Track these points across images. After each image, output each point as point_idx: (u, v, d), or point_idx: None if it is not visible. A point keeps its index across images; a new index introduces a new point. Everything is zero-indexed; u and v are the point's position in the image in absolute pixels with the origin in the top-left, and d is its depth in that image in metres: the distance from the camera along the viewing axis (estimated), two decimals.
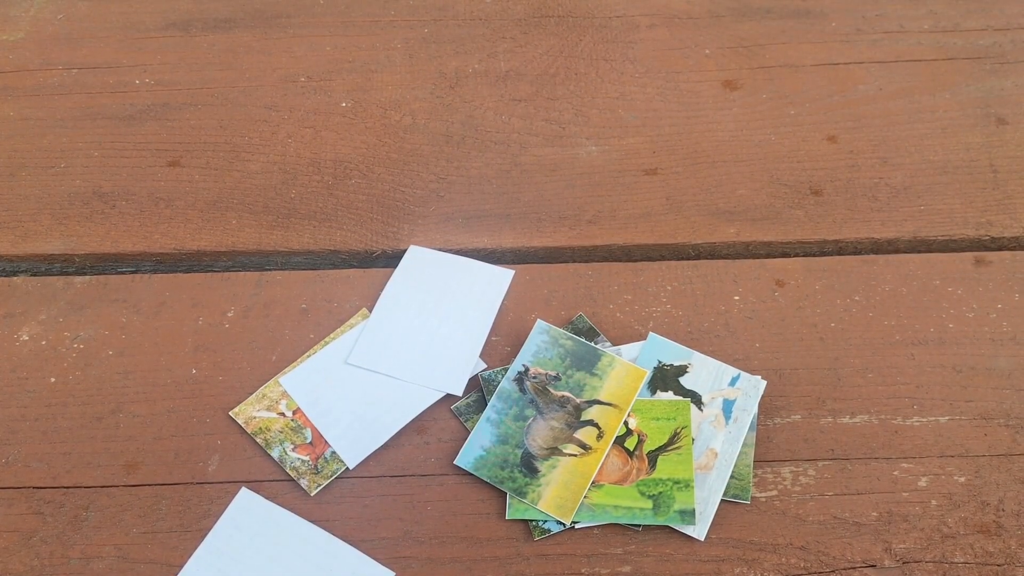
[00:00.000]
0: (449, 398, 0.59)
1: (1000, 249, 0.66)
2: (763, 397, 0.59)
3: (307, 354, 0.61)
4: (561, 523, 0.54)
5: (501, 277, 0.64)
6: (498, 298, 0.63)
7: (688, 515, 0.53)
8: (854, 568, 0.53)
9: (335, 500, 0.55)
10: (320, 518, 0.55)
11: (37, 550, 0.54)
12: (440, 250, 0.66)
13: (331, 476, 0.56)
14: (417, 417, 0.58)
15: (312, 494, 0.55)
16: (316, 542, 0.53)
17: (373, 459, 0.57)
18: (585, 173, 0.70)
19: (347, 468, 0.56)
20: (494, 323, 0.62)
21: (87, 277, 0.65)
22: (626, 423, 0.57)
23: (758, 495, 0.55)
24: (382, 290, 0.63)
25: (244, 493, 0.55)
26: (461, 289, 0.63)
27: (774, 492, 0.55)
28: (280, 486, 0.56)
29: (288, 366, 0.60)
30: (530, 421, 0.57)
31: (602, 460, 0.55)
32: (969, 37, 0.78)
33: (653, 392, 0.58)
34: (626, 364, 0.59)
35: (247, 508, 0.55)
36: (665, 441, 0.56)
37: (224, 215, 0.68)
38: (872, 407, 0.59)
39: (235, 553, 0.53)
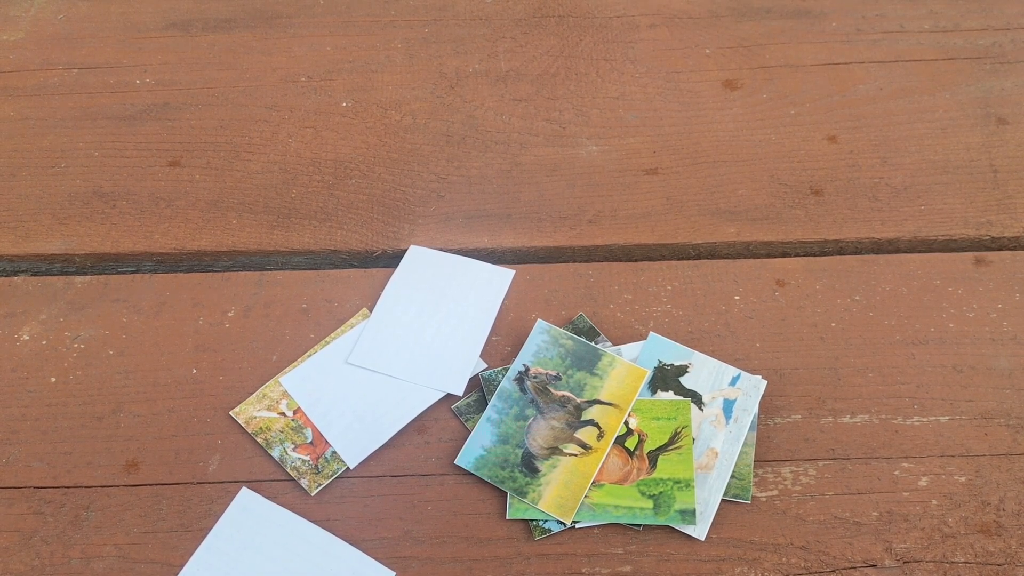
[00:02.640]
0: (449, 398, 0.59)
1: (1000, 249, 0.66)
2: (763, 397, 0.59)
3: (307, 354, 0.61)
4: (561, 523, 0.54)
5: (501, 277, 0.64)
6: (498, 298, 0.63)
7: (688, 515, 0.53)
8: (854, 568, 0.53)
9: (336, 500, 0.55)
10: (321, 518, 0.55)
11: (37, 550, 0.54)
12: (441, 250, 0.66)
13: (332, 476, 0.56)
14: (418, 417, 0.58)
15: (312, 494, 0.55)
16: (317, 542, 0.53)
17: (374, 459, 0.57)
18: (585, 173, 0.70)
19: (347, 468, 0.56)
20: (494, 323, 0.62)
21: (87, 277, 0.65)
22: (627, 423, 0.57)
23: (758, 495, 0.55)
24: (383, 290, 0.63)
25: (244, 493, 0.55)
26: (461, 289, 0.63)
27: (774, 492, 0.55)
28: (281, 486, 0.56)
29: (289, 366, 0.60)
30: (531, 421, 0.57)
31: (603, 460, 0.55)
32: (969, 37, 0.78)
33: (654, 392, 0.58)
34: (627, 364, 0.59)
35: (247, 508, 0.55)
36: (666, 441, 0.56)
37: (225, 215, 0.68)
38: (872, 407, 0.59)
39: (235, 553, 0.53)
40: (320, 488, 0.55)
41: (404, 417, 0.58)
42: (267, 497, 0.55)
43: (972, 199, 0.68)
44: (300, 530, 0.54)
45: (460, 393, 0.59)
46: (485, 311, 0.62)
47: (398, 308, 0.62)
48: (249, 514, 0.54)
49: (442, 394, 0.59)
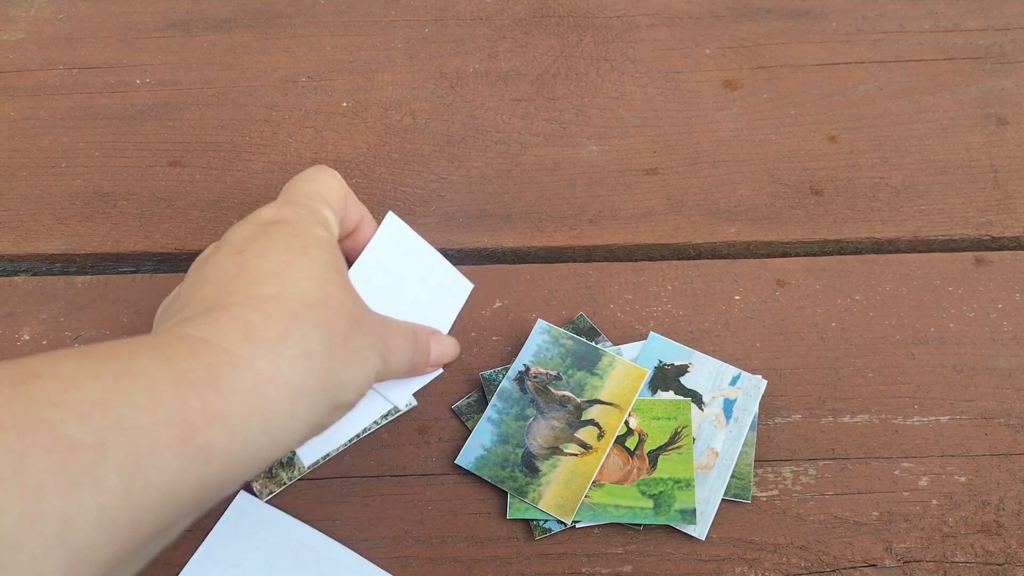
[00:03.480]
0: (449, 398, 0.59)
1: (1000, 249, 0.66)
2: (764, 397, 0.59)
3: None
4: (562, 523, 0.54)
5: (461, 288, 0.62)
6: (455, 309, 0.61)
7: (689, 514, 0.53)
8: (855, 568, 0.53)
9: (335, 500, 0.55)
10: (320, 517, 0.55)
11: None
12: (440, 250, 0.65)
13: (286, 483, 0.55)
14: (417, 416, 0.58)
15: (263, 499, 0.54)
16: (315, 545, 0.53)
17: (373, 459, 0.57)
18: (586, 173, 0.70)
19: (301, 476, 0.55)
20: (495, 323, 0.62)
21: (88, 277, 0.65)
22: (627, 422, 0.57)
23: (759, 494, 0.55)
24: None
25: (242, 496, 0.55)
26: (424, 291, 0.60)
27: (775, 492, 0.56)
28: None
29: None
30: (531, 421, 0.57)
31: (603, 460, 0.55)
32: (969, 37, 0.78)
33: (654, 392, 0.58)
34: (627, 364, 0.59)
35: (245, 511, 0.54)
36: (666, 441, 0.56)
37: (225, 215, 0.68)
38: (873, 407, 0.59)
39: (233, 556, 0.53)
40: (272, 495, 0.55)
41: (359, 421, 0.56)
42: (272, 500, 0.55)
43: (972, 199, 0.68)
44: (298, 533, 0.54)
45: (402, 406, 0.58)
46: (440, 320, 0.60)
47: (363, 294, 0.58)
48: (247, 517, 0.54)
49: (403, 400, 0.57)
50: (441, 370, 0.59)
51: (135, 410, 0.34)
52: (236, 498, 0.55)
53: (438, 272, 0.61)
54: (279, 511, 0.55)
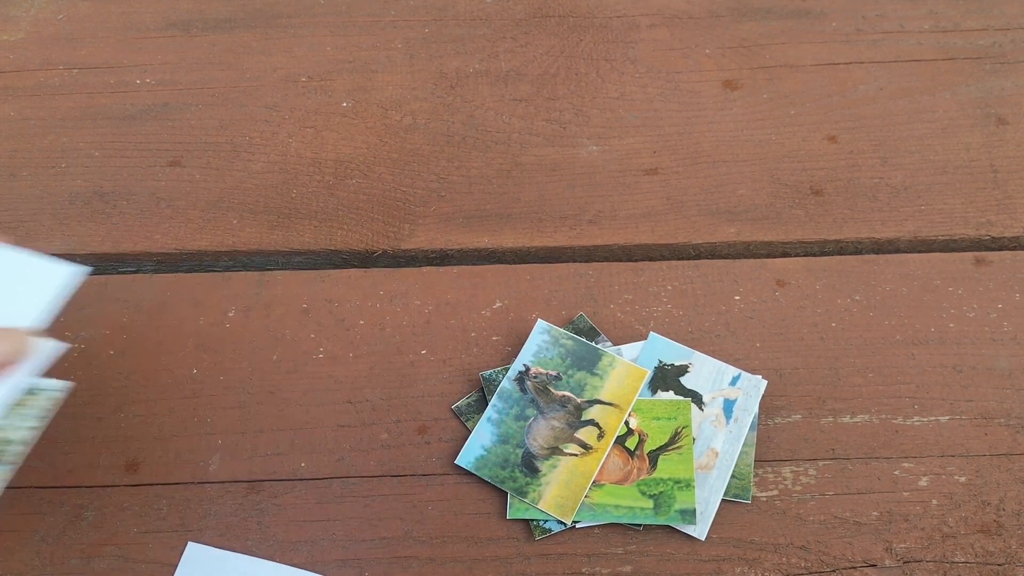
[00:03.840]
0: (449, 398, 0.59)
1: (1000, 249, 0.66)
2: (764, 397, 0.59)
3: None
4: (562, 523, 0.54)
5: (52, 276, 0.51)
6: (45, 300, 0.50)
7: (689, 515, 0.53)
8: (855, 568, 0.53)
9: (335, 500, 0.55)
10: (320, 518, 0.55)
11: (37, 549, 0.54)
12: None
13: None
14: (417, 416, 0.58)
15: None
16: None
17: (373, 459, 0.57)
18: (585, 173, 0.70)
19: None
20: (495, 323, 0.62)
21: (88, 277, 0.65)
22: (627, 423, 0.57)
23: (759, 495, 0.55)
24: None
25: (191, 547, 0.53)
26: None
27: (775, 492, 0.56)
28: (283, 485, 0.56)
29: (289, 366, 0.60)
30: (531, 421, 0.57)
31: (603, 460, 0.55)
32: (969, 37, 0.78)
33: (654, 392, 0.58)
34: (627, 364, 0.59)
35: (198, 562, 0.53)
36: (666, 441, 0.56)
37: (225, 215, 0.68)
38: (873, 407, 0.59)
39: None
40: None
41: None
42: (270, 496, 0.55)
43: (972, 199, 0.68)
44: (256, 570, 0.53)
45: None
46: (22, 316, 0.49)
47: None
48: (202, 568, 0.53)
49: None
50: (65, 345, 0.49)
51: None
52: (185, 552, 0.53)
53: (17, 268, 0.52)
54: (232, 553, 0.53)
